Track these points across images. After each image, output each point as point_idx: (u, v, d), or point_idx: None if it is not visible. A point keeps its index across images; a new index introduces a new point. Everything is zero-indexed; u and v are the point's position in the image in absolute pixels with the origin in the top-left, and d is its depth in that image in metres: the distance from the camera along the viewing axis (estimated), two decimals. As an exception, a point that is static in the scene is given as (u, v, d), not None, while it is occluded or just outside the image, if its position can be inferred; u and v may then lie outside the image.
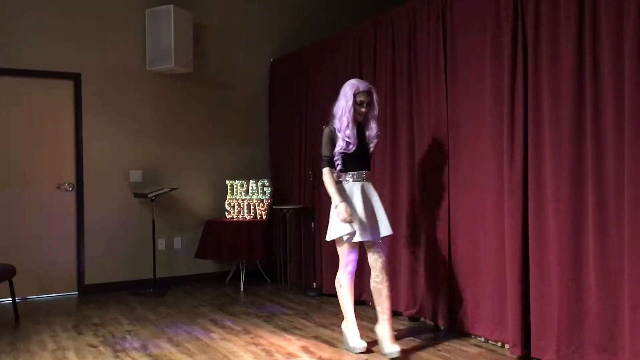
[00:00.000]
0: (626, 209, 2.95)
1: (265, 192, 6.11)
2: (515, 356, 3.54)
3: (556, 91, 3.34)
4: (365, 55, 5.06)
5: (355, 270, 3.82)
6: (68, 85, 5.82)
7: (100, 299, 5.52)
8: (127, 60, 6.00)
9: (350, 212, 3.59)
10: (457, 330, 4.06)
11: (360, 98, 3.67)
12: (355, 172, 3.71)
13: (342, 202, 3.60)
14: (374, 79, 4.90)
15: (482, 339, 3.90)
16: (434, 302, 4.21)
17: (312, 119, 5.82)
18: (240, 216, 6.10)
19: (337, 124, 3.70)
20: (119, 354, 3.83)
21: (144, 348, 3.94)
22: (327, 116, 5.50)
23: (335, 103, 3.77)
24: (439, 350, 3.74)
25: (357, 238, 3.63)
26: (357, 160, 3.71)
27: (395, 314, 4.38)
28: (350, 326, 3.81)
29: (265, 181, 6.14)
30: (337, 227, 3.66)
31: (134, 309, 5.14)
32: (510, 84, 3.59)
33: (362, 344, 3.74)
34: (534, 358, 3.47)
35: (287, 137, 6.26)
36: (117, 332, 4.35)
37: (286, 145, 6.29)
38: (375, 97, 3.74)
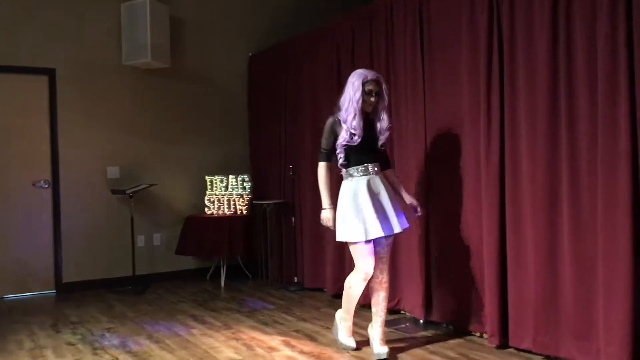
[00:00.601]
0: (599, 197, 3.00)
1: (245, 187, 6.09)
2: (494, 345, 3.58)
3: (531, 83, 3.38)
4: (344, 50, 5.06)
5: (371, 275, 3.46)
6: (43, 81, 5.73)
7: (79, 297, 5.46)
8: (103, 55, 5.92)
9: (331, 222, 3.49)
10: (435, 321, 4.09)
11: (369, 87, 3.44)
12: (361, 166, 3.47)
13: (328, 208, 3.51)
14: (348, 74, 4.90)
15: (461, 329, 3.93)
16: (412, 295, 4.24)
17: (292, 113, 5.81)
18: (220, 212, 6.07)
19: (343, 115, 3.47)
20: (98, 351, 3.79)
21: (123, 345, 3.91)
22: (303, 110, 5.54)
23: (341, 95, 3.53)
24: (418, 341, 3.77)
25: (369, 235, 3.38)
26: (363, 154, 3.47)
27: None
28: (344, 323, 3.68)
29: (245, 176, 6.11)
30: (350, 229, 3.41)
31: (113, 306, 5.09)
32: (487, 78, 3.62)
33: (353, 344, 3.64)
34: (511, 347, 3.52)
35: (267, 132, 6.24)
36: (95, 330, 4.31)
37: (266, 139, 6.27)
38: (384, 86, 3.51)
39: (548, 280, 3.30)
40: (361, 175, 3.47)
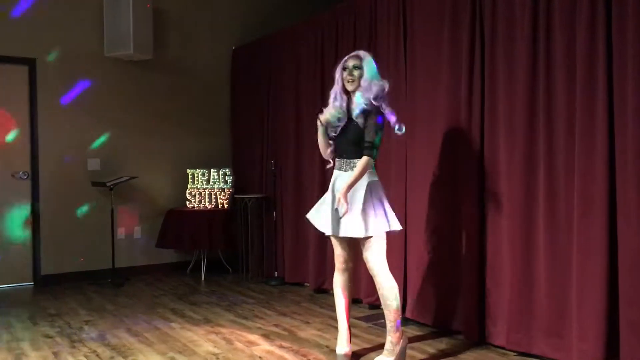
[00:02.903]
0: (575, 196, 3.06)
1: (226, 181, 6.08)
2: (470, 342, 3.62)
3: (511, 84, 3.43)
4: (327, 44, 5.07)
5: (342, 268, 3.30)
6: (23, 71, 5.65)
7: (57, 290, 5.42)
8: (85, 46, 5.85)
9: (346, 206, 3.05)
10: (413, 318, 4.12)
11: (346, 63, 3.17)
12: (337, 159, 3.25)
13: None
14: (335, 67, 4.91)
15: (438, 326, 3.97)
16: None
17: (274, 108, 5.81)
18: (201, 205, 6.06)
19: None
20: (76, 344, 3.77)
21: (101, 338, 3.89)
22: (286, 104, 5.53)
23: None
24: (397, 337, 3.81)
25: (324, 230, 3.25)
26: (341, 145, 3.21)
27: (356, 301, 4.43)
28: (339, 329, 3.37)
29: (227, 170, 6.10)
30: (315, 219, 3.34)
31: (92, 299, 5.06)
32: (468, 77, 3.66)
33: (342, 350, 3.29)
34: (488, 343, 3.57)
35: (249, 126, 6.23)
36: (74, 323, 4.28)
37: (248, 133, 6.26)
38: (367, 59, 3.15)
39: (523, 279, 3.35)
40: (336, 170, 3.25)
